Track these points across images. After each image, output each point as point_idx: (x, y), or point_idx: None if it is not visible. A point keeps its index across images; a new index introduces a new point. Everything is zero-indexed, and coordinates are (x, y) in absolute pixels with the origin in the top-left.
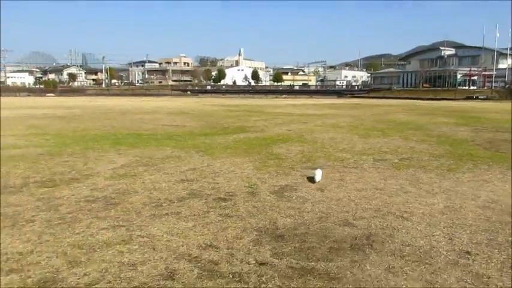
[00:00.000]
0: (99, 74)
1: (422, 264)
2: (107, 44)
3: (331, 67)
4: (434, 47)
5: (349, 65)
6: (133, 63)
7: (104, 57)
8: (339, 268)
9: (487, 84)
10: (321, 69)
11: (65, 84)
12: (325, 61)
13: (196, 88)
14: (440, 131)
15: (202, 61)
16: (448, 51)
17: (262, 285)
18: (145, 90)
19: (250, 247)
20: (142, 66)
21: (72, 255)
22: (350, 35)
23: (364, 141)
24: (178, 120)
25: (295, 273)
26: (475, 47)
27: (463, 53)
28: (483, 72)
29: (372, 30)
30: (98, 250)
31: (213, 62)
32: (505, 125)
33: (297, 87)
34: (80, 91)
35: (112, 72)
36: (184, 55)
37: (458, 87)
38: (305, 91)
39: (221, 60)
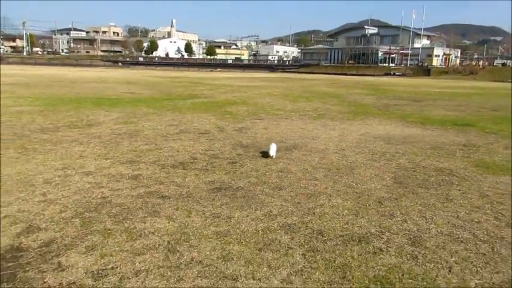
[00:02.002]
0: (17, 40)
1: (320, 154)
2: (24, 7)
3: (263, 42)
4: (359, 26)
5: (281, 40)
6: (58, 30)
7: (24, 23)
8: (281, 157)
9: (404, 62)
10: (253, 43)
11: None
12: (257, 36)
13: (128, 59)
14: (351, 98)
15: (132, 31)
16: (371, 30)
17: (241, 161)
18: (73, 60)
19: (231, 150)
20: (68, 34)
21: (131, 156)
22: (282, 10)
23: (293, 104)
24: (132, 88)
25: (257, 158)
26: (396, 27)
27: (385, 32)
28: (401, 51)
29: (304, 6)
30: (147, 153)
31: (144, 33)
32: (402, 95)
33: (230, 61)
34: None
35: (33, 40)
36: (113, 24)
37: (379, 64)
38: (238, 65)
39: (153, 31)
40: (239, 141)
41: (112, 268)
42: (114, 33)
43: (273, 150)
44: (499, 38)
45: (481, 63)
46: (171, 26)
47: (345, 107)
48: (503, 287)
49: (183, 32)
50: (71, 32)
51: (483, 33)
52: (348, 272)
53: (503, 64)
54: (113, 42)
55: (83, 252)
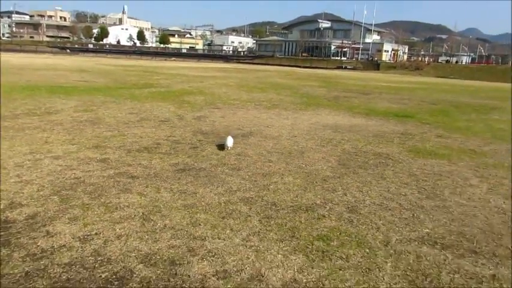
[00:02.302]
0: None
1: (274, 140)
2: None
3: (218, 31)
4: (313, 19)
5: (236, 31)
6: None
7: None
8: (238, 143)
9: (355, 56)
10: (208, 33)
11: None
12: (212, 25)
13: (77, 46)
14: (304, 90)
15: (80, 16)
16: (325, 24)
17: (202, 146)
18: (17, 46)
19: (192, 136)
20: (9, 17)
21: (96, 142)
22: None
23: (248, 95)
24: (85, 77)
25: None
26: (348, 22)
27: (338, 26)
28: (352, 45)
29: None
30: (112, 139)
31: (93, 19)
32: (352, 88)
33: (184, 50)
34: None
35: None
36: (60, 8)
37: (332, 58)
38: (193, 55)
39: (103, 17)
40: (199, 129)
41: (96, 234)
42: (61, 17)
43: (229, 142)
44: (444, 36)
45: (426, 59)
46: (123, 13)
47: (298, 98)
48: (417, 241)
49: (135, 19)
50: (13, 16)
51: (430, 31)
52: (296, 233)
53: (447, 61)
54: (59, 27)
55: (67, 223)
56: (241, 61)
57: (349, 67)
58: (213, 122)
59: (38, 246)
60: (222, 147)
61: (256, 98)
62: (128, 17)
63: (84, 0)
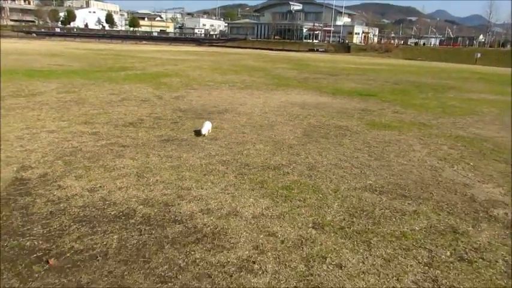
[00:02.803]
0: None
1: (247, 116)
2: None
3: (189, 14)
4: (284, 2)
5: (207, 13)
6: None
7: None
8: (214, 119)
9: (327, 38)
10: (178, 15)
11: None
12: (183, 8)
13: (43, 30)
14: (276, 72)
15: (45, 0)
16: (296, 7)
17: (182, 121)
18: None
19: (172, 113)
20: None
21: (85, 119)
22: None
23: (222, 77)
24: (58, 61)
25: (195, 119)
26: (319, 4)
27: (309, 9)
28: (324, 28)
29: None
30: (98, 116)
31: (59, 2)
32: (322, 70)
33: (155, 34)
34: None
35: None
36: None
37: (304, 40)
38: (164, 38)
39: (69, 0)
40: (177, 107)
41: (100, 187)
42: (25, 1)
43: (205, 129)
44: (414, 18)
45: (395, 42)
46: None
47: (270, 79)
48: (360, 189)
49: (103, 1)
50: None
51: (401, 13)
52: (265, 184)
53: (416, 43)
54: (24, 11)
55: (74, 179)
56: (213, 44)
57: (321, 50)
58: (190, 101)
59: (55, 195)
60: (199, 133)
61: (229, 79)
62: (95, 0)
63: None
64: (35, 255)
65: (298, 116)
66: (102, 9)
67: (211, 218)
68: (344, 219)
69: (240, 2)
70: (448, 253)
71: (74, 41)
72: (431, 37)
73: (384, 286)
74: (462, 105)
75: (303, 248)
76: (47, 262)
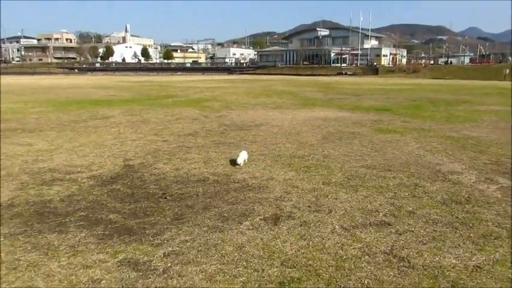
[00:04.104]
0: None
1: (278, 127)
2: None
3: (219, 44)
4: (312, 28)
5: (237, 43)
6: (7, 38)
7: None
8: (252, 129)
9: (354, 61)
10: (209, 46)
11: None
12: (213, 39)
13: (85, 66)
14: (303, 95)
15: (83, 37)
16: (323, 32)
17: (227, 132)
18: (29, 69)
19: (218, 127)
20: (17, 42)
21: (154, 132)
22: (237, 11)
23: (255, 100)
24: (110, 92)
25: (237, 130)
26: (346, 29)
27: (336, 34)
28: (351, 52)
29: (257, 6)
30: (163, 130)
31: (97, 38)
32: (346, 91)
33: (188, 65)
34: None
35: None
36: (66, 31)
37: (332, 65)
38: (197, 68)
39: (107, 36)
40: (222, 123)
41: (181, 167)
42: (66, 39)
43: (241, 158)
44: (445, 37)
45: (423, 62)
46: (126, 31)
47: (297, 100)
48: (358, 167)
49: (138, 36)
50: (21, 40)
51: (430, 32)
52: (292, 165)
53: (446, 62)
54: (66, 49)
55: (163, 164)
56: (244, 72)
57: (349, 73)
58: (231, 118)
59: (154, 172)
60: (234, 162)
61: (262, 101)
62: (131, 35)
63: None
64: (157, 196)
65: (319, 126)
66: (138, 44)
67: (257, 180)
68: (343, 180)
69: (269, 30)
70: (406, 194)
71: (114, 75)
72: (462, 55)
73: (361, 206)
74: (467, 115)
75: (314, 192)
76: (165, 198)
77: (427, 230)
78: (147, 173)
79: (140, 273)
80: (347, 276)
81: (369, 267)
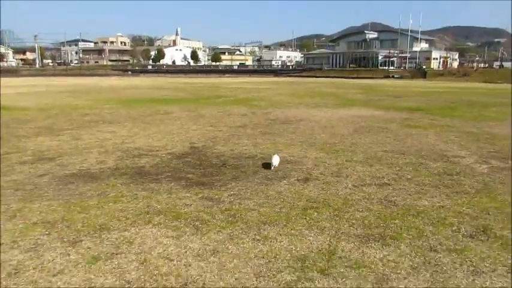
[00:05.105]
0: (27, 53)
1: (316, 122)
2: (25, 21)
3: (266, 47)
4: (360, 31)
5: (284, 45)
6: (66, 42)
7: (36, 36)
8: (293, 123)
9: (403, 65)
10: (256, 49)
11: None
12: (261, 41)
13: (137, 68)
14: (345, 96)
15: (135, 40)
16: (371, 35)
17: (272, 125)
18: (86, 71)
19: (264, 121)
20: (76, 45)
21: (210, 124)
22: (284, 14)
23: (299, 100)
24: (165, 92)
25: (280, 123)
26: (395, 31)
27: (385, 36)
28: (400, 54)
29: (305, 8)
30: (217, 123)
31: (149, 41)
32: (388, 93)
33: (235, 67)
34: (13, 72)
35: (42, 52)
36: (121, 34)
37: (380, 68)
38: (244, 71)
39: (158, 39)
40: (268, 118)
41: (235, 149)
42: (121, 42)
43: (275, 161)
44: (502, 40)
45: (474, 65)
46: (176, 35)
47: (338, 101)
48: (379, 151)
49: (187, 39)
50: (79, 43)
51: (487, 35)
52: (323, 149)
53: (501, 66)
54: (121, 51)
55: (221, 146)
56: (290, 75)
57: (397, 76)
58: (276, 115)
59: (214, 152)
60: (268, 165)
61: (305, 101)
62: (181, 38)
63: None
64: (218, 165)
65: (353, 122)
66: (187, 47)
67: (294, 157)
68: (362, 159)
69: (316, 33)
70: (410, 168)
71: (166, 77)
72: None
73: (371, 174)
74: (496, 115)
75: (337, 166)
76: (225, 166)
77: (416, 188)
78: (209, 152)
79: (214, 203)
80: (348, 207)
81: (365, 204)
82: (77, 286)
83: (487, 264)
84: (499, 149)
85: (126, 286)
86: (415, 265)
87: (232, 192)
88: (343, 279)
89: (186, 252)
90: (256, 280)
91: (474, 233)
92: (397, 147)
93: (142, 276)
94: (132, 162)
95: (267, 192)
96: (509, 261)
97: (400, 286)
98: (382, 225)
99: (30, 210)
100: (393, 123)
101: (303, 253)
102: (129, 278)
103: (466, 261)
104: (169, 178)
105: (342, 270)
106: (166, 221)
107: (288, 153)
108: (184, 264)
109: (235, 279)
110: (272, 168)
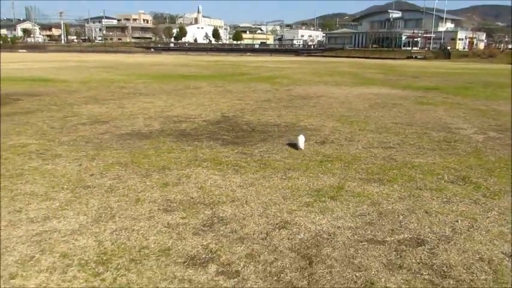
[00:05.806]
0: (53, 30)
1: (335, 98)
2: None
3: (287, 26)
4: (383, 10)
5: (305, 24)
6: (90, 19)
7: (61, 13)
8: (313, 99)
9: (427, 45)
10: (278, 28)
11: (20, 40)
12: (282, 20)
13: (160, 45)
14: (364, 76)
15: (157, 17)
16: (395, 15)
17: (293, 100)
18: (111, 47)
19: (286, 96)
20: (100, 22)
21: (237, 98)
22: None
23: (319, 78)
24: (191, 69)
25: (301, 99)
26: (419, 11)
27: (409, 16)
28: (424, 35)
29: None
30: (243, 98)
31: (171, 19)
32: (407, 74)
33: (256, 46)
34: (41, 47)
35: (67, 28)
36: (143, 12)
37: (403, 48)
38: (265, 50)
39: (180, 17)
40: (289, 94)
41: (262, 118)
42: (144, 20)
43: (301, 143)
44: None
45: (502, 46)
46: (198, 12)
47: (357, 80)
48: (389, 122)
49: (209, 17)
50: (103, 20)
51: None
52: (340, 121)
53: None
54: (143, 29)
55: (249, 116)
56: (311, 54)
57: (419, 57)
58: (297, 91)
59: (243, 120)
60: (295, 146)
61: (325, 80)
62: (203, 16)
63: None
64: (248, 130)
65: (369, 99)
66: (209, 25)
67: (313, 126)
68: (373, 129)
69: (339, 12)
70: (414, 137)
71: (188, 54)
72: None
73: (379, 140)
74: (509, 95)
75: (351, 133)
76: (254, 131)
77: (415, 151)
78: (239, 120)
79: (248, 155)
80: (357, 161)
81: (370, 160)
82: (157, 199)
83: (458, 198)
84: (501, 124)
85: (190, 200)
86: (403, 196)
87: (262, 150)
88: (347, 203)
89: (231, 183)
90: (284, 200)
91: (455, 180)
92: (406, 120)
93: (202, 195)
94: (174, 126)
95: (290, 150)
96: (476, 196)
97: (388, 207)
98: (382, 173)
99: (104, 155)
100: (407, 101)
101: (318, 187)
102: (192, 196)
103: (442, 196)
104: (208, 138)
105: (346, 197)
106: (212, 165)
107: (308, 122)
108: (231, 190)
109: (269, 199)
110: (300, 148)
